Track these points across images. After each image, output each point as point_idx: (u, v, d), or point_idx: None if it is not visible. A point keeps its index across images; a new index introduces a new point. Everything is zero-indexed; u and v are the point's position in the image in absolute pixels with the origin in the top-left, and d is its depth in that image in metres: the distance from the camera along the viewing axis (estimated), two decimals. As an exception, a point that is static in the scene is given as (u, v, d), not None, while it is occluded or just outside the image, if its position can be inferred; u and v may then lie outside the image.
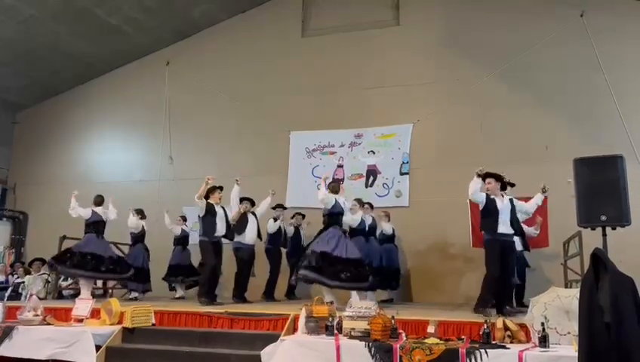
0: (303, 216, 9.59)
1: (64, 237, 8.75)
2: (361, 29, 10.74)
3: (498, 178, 6.47)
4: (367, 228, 8.16)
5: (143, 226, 9.17)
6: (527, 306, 7.03)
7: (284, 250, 9.21)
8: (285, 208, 9.28)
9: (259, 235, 8.40)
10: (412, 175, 9.87)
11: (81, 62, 11.89)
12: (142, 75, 12.01)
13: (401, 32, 10.55)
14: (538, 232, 8.03)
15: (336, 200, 7.21)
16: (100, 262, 8.03)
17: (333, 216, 7.23)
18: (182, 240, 9.74)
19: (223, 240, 7.79)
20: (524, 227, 7.35)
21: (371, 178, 10.05)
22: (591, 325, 3.27)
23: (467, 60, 9.89)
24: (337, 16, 10.97)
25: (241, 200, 8.30)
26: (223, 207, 7.73)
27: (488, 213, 6.23)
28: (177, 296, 9.54)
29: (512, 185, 7.07)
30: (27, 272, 9.80)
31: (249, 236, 8.17)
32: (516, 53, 9.37)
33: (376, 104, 10.32)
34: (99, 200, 8.47)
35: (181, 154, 11.17)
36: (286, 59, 11.05)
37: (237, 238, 8.08)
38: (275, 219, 8.90)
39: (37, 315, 6.14)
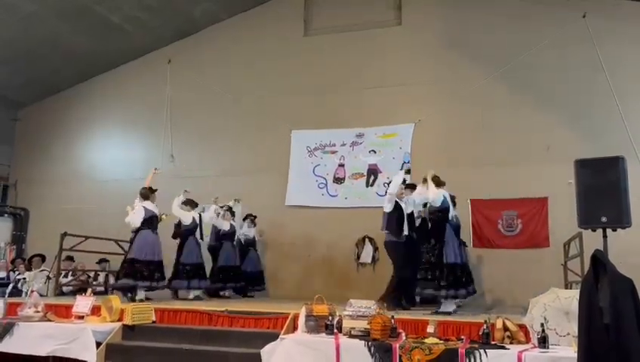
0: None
1: (65, 234, 8.74)
2: (362, 28, 10.74)
3: (409, 186, 7.10)
4: None
5: (193, 218, 8.49)
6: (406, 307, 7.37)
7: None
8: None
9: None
10: (413, 175, 9.86)
11: (82, 60, 11.88)
12: (143, 73, 12.02)
13: (402, 32, 10.55)
14: None
15: (443, 195, 6.57)
16: (154, 267, 7.56)
17: (443, 213, 6.55)
18: (231, 237, 9.29)
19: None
20: None
21: (372, 177, 10.05)
22: (590, 326, 3.28)
23: (468, 60, 9.89)
24: (339, 16, 10.96)
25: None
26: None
27: (397, 216, 6.64)
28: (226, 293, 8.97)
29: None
30: (28, 269, 9.81)
31: None
32: (517, 54, 9.37)
33: (377, 103, 10.32)
34: (147, 193, 7.85)
35: (182, 153, 11.18)
36: (288, 58, 11.05)
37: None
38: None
39: (37, 311, 6.15)
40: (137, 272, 7.38)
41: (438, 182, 6.59)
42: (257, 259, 9.86)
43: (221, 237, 9.19)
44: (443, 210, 6.49)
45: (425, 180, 6.66)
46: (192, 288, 8.21)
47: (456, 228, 6.92)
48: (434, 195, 6.43)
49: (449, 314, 5.89)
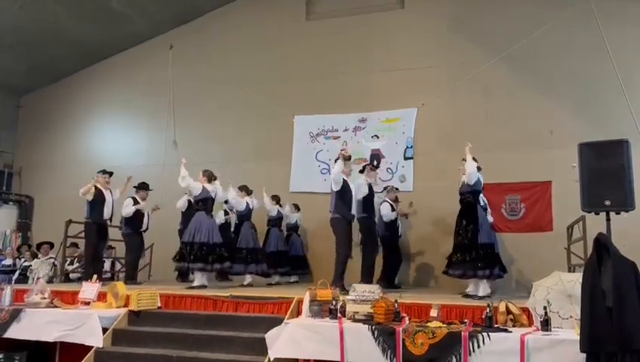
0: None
1: (70, 221, 8.79)
2: (365, 12, 10.64)
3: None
4: None
5: (247, 203, 8.54)
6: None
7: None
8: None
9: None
10: (416, 160, 9.86)
11: (84, 47, 11.85)
12: (146, 59, 11.98)
13: (406, 15, 10.45)
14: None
15: (478, 177, 6.41)
16: (210, 250, 7.43)
17: (477, 195, 6.47)
18: (278, 222, 9.25)
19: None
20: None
21: (375, 162, 10.01)
22: (593, 309, 3.30)
23: (472, 44, 9.80)
24: (341, 0, 10.86)
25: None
26: (110, 191, 8.47)
27: (344, 195, 6.81)
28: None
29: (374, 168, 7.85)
30: (34, 255, 9.88)
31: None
32: (522, 38, 9.26)
33: (380, 88, 10.27)
34: (210, 175, 7.80)
35: (185, 139, 11.18)
36: (290, 42, 10.99)
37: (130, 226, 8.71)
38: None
39: (44, 298, 6.22)
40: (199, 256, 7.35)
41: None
42: (301, 244, 9.82)
43: (268, 223, 9.21)
44: (475, 191, 6.39)
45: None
46: (250, 273, 8.22)
47: (484, 211, 6.90)
48: (469, 173, 6.24)
49: (487, 297, 5.83)
